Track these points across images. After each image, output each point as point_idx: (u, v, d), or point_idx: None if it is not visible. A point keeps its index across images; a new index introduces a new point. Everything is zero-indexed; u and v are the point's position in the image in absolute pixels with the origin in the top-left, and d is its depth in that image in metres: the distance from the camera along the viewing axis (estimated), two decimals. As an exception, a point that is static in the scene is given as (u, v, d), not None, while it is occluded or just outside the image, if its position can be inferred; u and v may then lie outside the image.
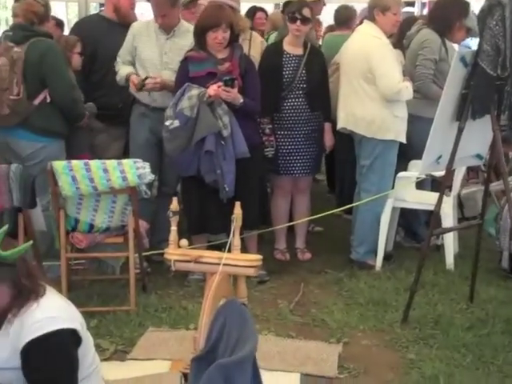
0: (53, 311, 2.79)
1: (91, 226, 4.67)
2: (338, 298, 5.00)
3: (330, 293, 5.09)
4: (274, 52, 5.49)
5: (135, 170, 4.45)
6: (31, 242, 2.84)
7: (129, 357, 4.12)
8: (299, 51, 5.44)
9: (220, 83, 4.73)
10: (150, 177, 4.52)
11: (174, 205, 3.49)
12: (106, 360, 3.93)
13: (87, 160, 4.51)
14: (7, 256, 2.71)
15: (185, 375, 3.02)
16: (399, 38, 5.85)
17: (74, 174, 4.41)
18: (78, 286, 5.01)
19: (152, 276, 5.26)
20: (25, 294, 2.78)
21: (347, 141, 5.69)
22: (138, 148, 5.30)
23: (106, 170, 4.43)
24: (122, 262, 5.09)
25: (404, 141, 5.31)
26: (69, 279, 4.76)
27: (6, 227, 2.75)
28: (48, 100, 4.97)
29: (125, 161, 4.52)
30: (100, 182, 4.44)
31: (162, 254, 5.39)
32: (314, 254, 5.85)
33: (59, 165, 4.42)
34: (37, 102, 4.93)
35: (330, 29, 7.77)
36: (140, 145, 5.32)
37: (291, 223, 5.80)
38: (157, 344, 4.25)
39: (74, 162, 4.45)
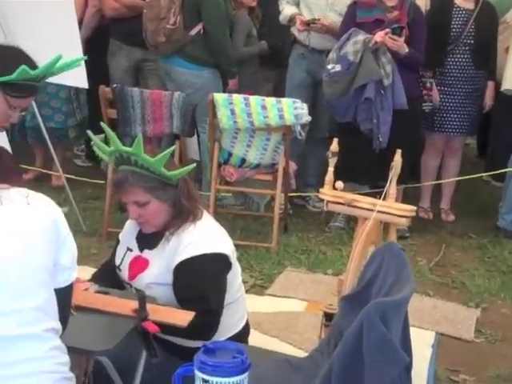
0: (208, 235, 2.87)
1: (243, 161, 4.74)
2: (480, 263, 4.87)
3: (471, 257, 4.97)
4: (443, 4, 5.30)
5: (293, 110, 4.47)
6: (194, 164, 2.91)
7: (267, 292, 4.22)
8: (470, 5, 5.23)
9: (387, 30, 4.65)
10: (307, 118, 4.53)
11: (334, 146, 3.48)
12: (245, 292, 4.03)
13: (247, 95, 4.56)
14: (171, 176, 2.80)
15: (326, 314, 3.03)
16: None
17: (233, 108, 4.49)
18: (222, 218, 5.12)
19: (293, 218, 5.31)
20: (184, 214, 2.88)
21: (508, 103, 5.47)
22: (294, 88, 5.32)
23: (264, 107, 4.47)
24: (266, 199, 5.17)
25: None
26: (215, 210, 4.88)
27: (173, 148, 2.84)
28: (202, 32, 5.09)
29: (284, 99, 4.55)
30: (257, 118, 4.50)
31: (305, 197, 5.51)
32: (458, 216, 5.70)
33: (220, 97, 4.51)
34: (193, 32, 5.05)
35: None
36: (296, 85, 5.34)
37: (438, 182, 5.68)
38: (294, 284, 4.32)
39: (235, 96, 4.52)
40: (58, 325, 2.09)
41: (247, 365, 1.71)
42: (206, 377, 1.68)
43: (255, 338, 3.50)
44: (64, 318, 2.16)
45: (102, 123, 3.03)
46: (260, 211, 5.22)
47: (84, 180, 5.55)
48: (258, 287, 4.25)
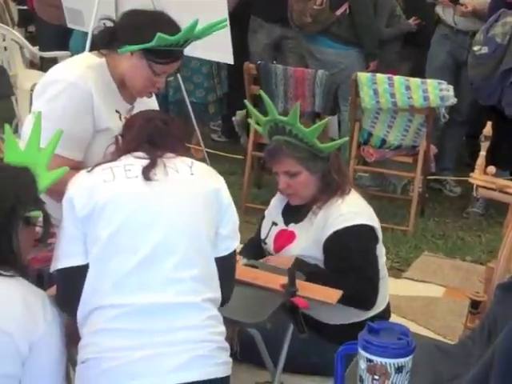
0: (357, 208, 2.91)
1: (383, 142, 4.67)
2: None
3: None
4: None
5: (438, 91, 4.36)
6: (347, 138, 2.92)
7: (404, 275, 4.17)
8: None
9: (537, 10, 4.47)
10: (453, 100, 4.41)
11: (488, 129, 3.36)
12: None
13: (391, 75, 4.49)
14: (324, 148, 2.83)
15: (473, 302, 2.96)
16: None
17: (376, 88, 4.42)
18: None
19: (429, 202, 5.21)
20: (332, 188, 2.90)
21: None
22: (434, 70, 5.19)
23: (408, 88, 4.39)
24: (404, 182, 5.10)
25: None
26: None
27: (326, 120, 2.86)
28: (347, 12, 5.03)
29: (429, 81, 4.44)
30: (401, 99, 4.42)
31: (442, 181, 5.39)
32: None
33: (363, 76, 4.46)
34: (338, 12, 5.02)
35: None
36: (436, 67, 5.21)
37: None
38: (432, 269, 4.25)
39: (379, 76, 4.46)
40: (216, 295, 2.13)
41: (412, 347, 1.69)
42: (370, 356, 1.67)
43: (393, 321, 3.47)
44: (227, 286, 2.19)
45: (261, 92, 3.05)
46: (396, 193, 5.15)
47: (221, 155, 5.63)
48: (394, 270, 4.20)
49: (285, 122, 2.78)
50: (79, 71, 2.51)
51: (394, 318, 3.51)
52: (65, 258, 2.06)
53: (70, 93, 2.47)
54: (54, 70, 2.59)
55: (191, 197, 2.13)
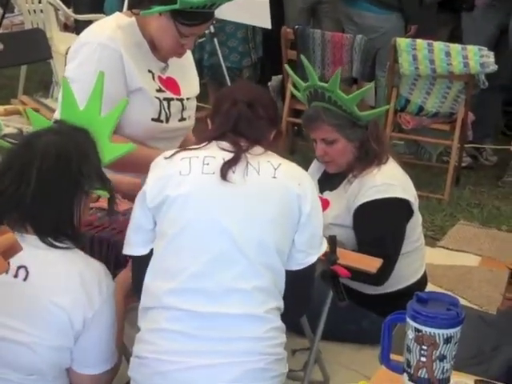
0: (392, 179, 2.87)
1: (420, 109, 4.61)
2: None
3: None
4: None
5: (479, 58, 4.29)
6: (387, 106, 2.87)
7: (439, 244, 4.14)
8: None
9: None
10: (493, 67, 4.33)
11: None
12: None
13: (431, 41, 4.42)
14: (362, 116, 2.79)
15: (512, 272, 2.95)
16: None
17: (415, 53, 4.36)
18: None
19: (464, 171, 5.15)
20: (369, 157, 2.87)
21: None
22: (479, 42, 5.06)
23: (448, 54, 4.32)
24: (439, 150, 5.05)
25: None
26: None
27: (368, 86, 2.83)
28: None
29: (470, 47, 4.37)
30: (440, 65, 4.36)
31: (478, 149, 5.31)
32: None
33: (403, 42, 4.40)
34: None
35: None
36: (483, 40, 5.03)
37: None
38: (467, 238, 4.21)
39: (418, 41, 4.40)
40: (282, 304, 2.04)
41: (461, 318, 1.66)
42: (418, 326, 1.65)
43: (429, 290, 3.46)
44: (297, 303, 2.10)
45: (302, 57, 3.00)
46: (431, 161, 5.10)
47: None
48: (429, 238, 4.14)
49: (325, 88, 2.75)
50: (108, 32, 2.50)
51: (429, 287, 3.48)
52: (129, 245, 2.07)
53: (100, 54, 2.46)
54: (84, 33, 2.58)
55: (266, 204, 1.99)
